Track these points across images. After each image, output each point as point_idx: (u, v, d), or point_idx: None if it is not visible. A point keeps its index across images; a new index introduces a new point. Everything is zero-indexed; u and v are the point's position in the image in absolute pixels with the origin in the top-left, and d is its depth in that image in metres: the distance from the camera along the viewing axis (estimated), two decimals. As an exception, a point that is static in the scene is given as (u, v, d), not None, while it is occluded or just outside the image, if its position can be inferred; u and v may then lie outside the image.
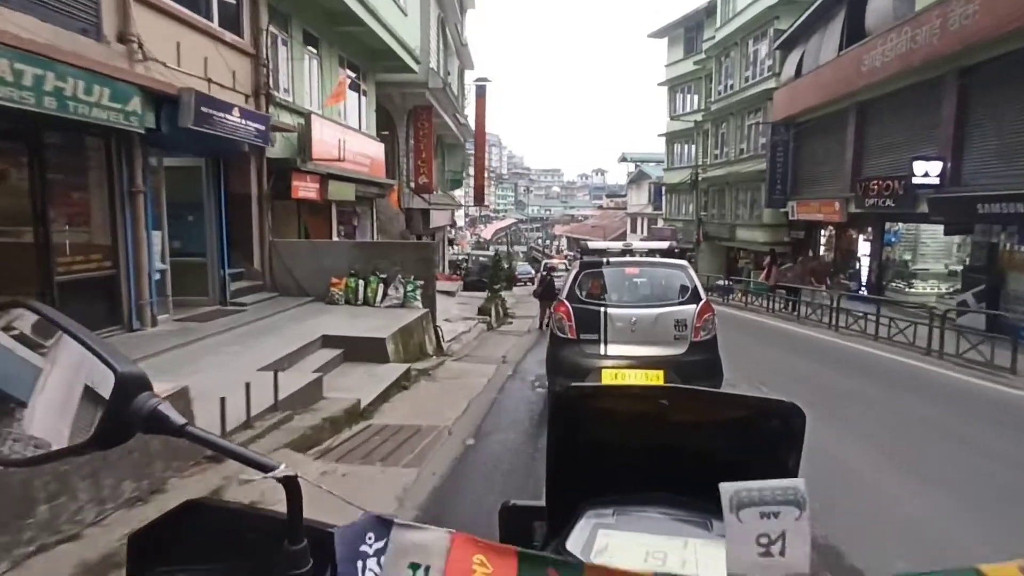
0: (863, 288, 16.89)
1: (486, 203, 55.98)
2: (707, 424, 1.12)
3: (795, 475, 0.99)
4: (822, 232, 20.28)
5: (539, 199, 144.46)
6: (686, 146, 32.36)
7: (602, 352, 5.69)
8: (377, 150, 14.65)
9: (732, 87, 24.98)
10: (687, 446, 1.12)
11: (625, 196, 57.94)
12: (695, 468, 1.03)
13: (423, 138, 19.59)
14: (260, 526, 0.79)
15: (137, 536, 0.84)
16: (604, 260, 6.18)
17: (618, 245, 6.91)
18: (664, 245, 7.42)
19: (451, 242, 30.69)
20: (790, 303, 16.44)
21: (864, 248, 17.71)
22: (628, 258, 6.46)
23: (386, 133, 16.66)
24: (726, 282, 23.66)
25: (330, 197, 11.83)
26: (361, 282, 10.14)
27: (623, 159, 53.02)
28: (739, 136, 24.77)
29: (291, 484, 0.69)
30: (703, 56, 27.94)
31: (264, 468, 0.69)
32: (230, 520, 0.85)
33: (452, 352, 10.07)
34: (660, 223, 38.54)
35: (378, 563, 0.70)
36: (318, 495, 0.75)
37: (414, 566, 0.69)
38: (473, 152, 30.80)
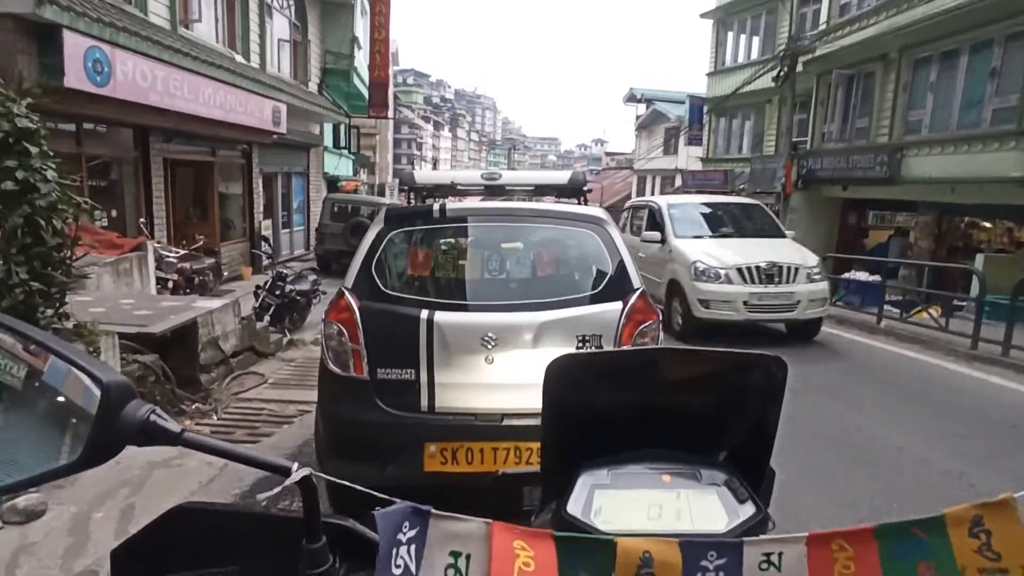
0: None
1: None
2: (696, 380, 1.15)
3: (775, 427, 1.02)
4: None
5: (534, 167, 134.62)
6: (756, 24, 18.52)
7: (423, 406, 2.79)
8: None
9: None
10: (677, 403, 1.14)
11: (632, 154, 43.43)
12: (686, 424, 1.09)
13: None
14: (258, 526, 0.80)
15: (120, 551, 0.81)
16: (434, 208, 3.07)
17: (473, 175, 3.83)
18: (562, 177, 4.05)
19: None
20: None
21: None
22: (492, 203, 3.50)
23: None
24: (867, 277, 10.50)
25: None
26: None
27: (631, 98, 38.41)
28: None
29: (306, 484, 0.69)
30: None
31: (278, 471, 0.68)
32: (223, 522, 0.83)
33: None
34: (677, 178, 24.30)
35: (409, 552, 0.68)
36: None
37: (455, 554, 0.69)
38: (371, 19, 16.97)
